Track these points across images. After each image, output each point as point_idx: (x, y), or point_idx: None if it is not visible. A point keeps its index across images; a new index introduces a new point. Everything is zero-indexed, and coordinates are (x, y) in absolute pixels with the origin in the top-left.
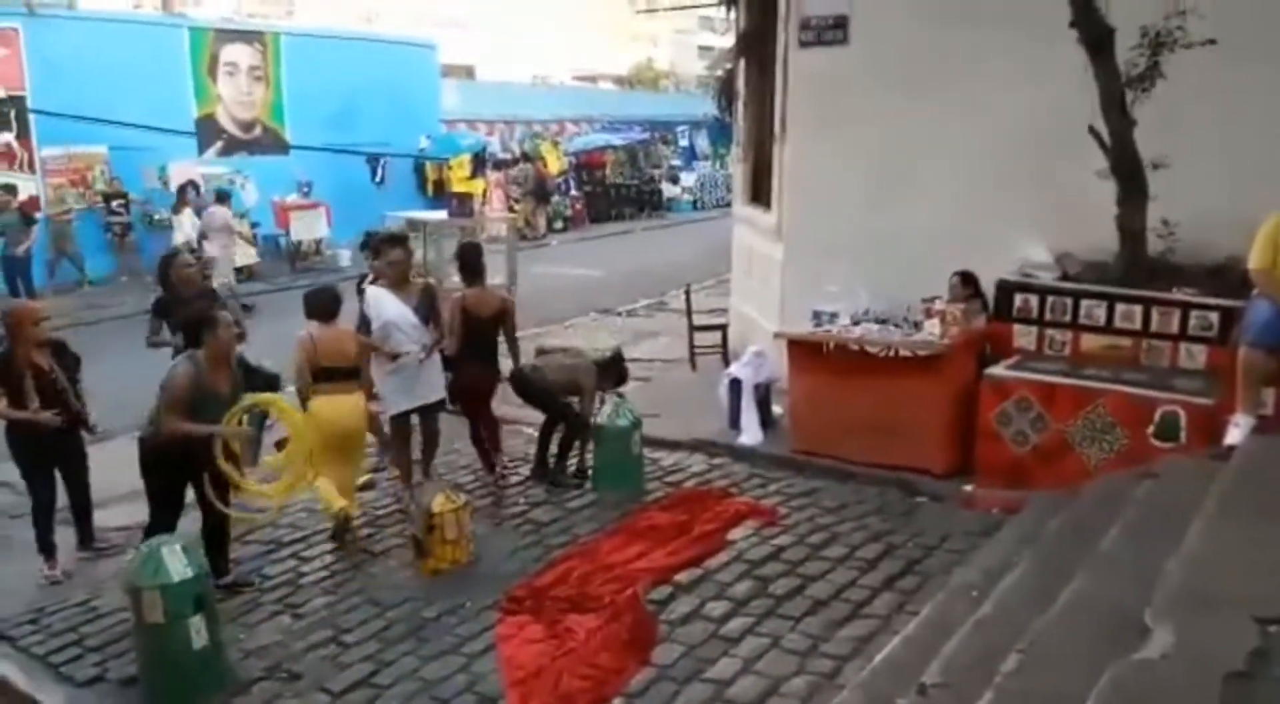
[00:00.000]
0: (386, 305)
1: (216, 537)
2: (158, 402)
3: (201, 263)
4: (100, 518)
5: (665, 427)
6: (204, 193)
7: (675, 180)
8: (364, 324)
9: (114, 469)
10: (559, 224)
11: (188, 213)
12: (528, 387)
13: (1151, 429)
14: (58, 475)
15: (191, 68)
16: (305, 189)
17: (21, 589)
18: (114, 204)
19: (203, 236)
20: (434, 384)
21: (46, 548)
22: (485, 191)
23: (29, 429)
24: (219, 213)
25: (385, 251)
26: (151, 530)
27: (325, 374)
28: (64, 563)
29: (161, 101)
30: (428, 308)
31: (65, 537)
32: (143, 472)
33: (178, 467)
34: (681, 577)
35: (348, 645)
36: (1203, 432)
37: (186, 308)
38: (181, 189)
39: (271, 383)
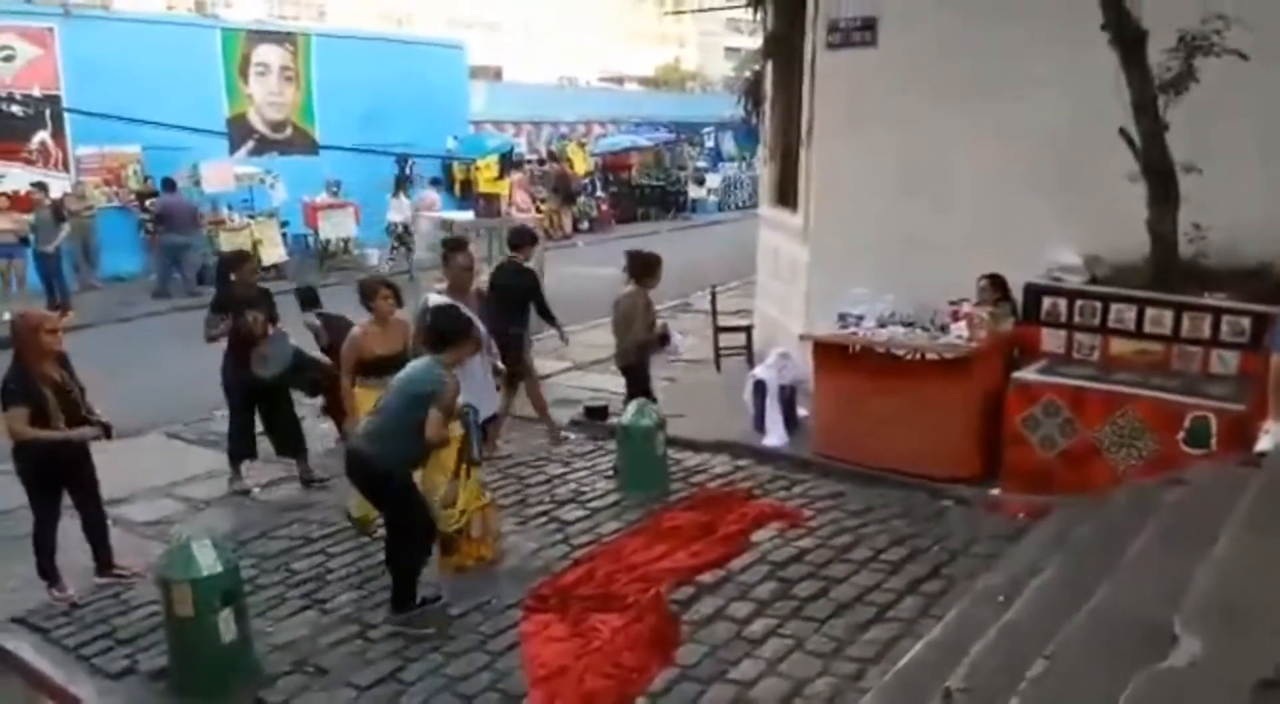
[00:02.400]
0: None
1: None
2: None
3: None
4: (129, 512)
5: (690, 427)
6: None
7: (701, 181)
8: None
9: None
10: (584, 225)
11: (402, 196)
12: None
13: (1182, 435)
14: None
15: (224, 68)
16: (334, 188)
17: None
18: (148, 202)
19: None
20: (489, 397)
21: (51, 574)
22: (510, 191)
23: (45, 449)
24: (429, 196)
25: (450, 257)
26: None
27: (370, 367)
28: (80, 589)
29: (194, 101)
30: (484, 313)
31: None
32: (395, 494)
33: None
34: (705, 577)
35: (373, 641)
36: (1233, 438)
37: (243, 304)
38: (398, 177)
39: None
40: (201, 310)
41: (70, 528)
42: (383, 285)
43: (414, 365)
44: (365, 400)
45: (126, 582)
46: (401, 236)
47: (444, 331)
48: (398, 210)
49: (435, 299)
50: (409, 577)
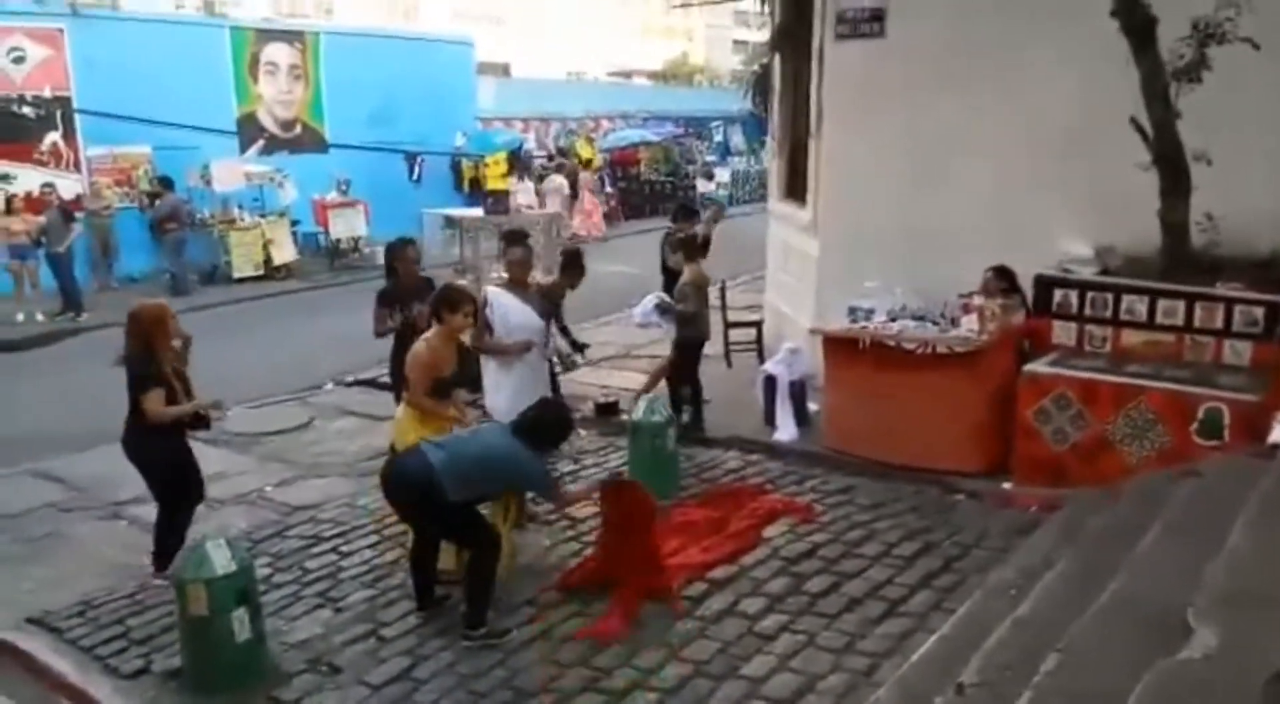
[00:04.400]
0: (510, 308)
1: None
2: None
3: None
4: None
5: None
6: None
7: (710, 176)
8: (486, 328)
9: None
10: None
11: (526, 181)
12: None
13: (1194, 426)
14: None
15: (233, 67)
16: (344, 187)
17: (70, 581)
18: (157, 203)
19: (540, 199)
20: (545, 391)
21: (166, 563)
22: (574, 187)
23: (176, 442)
24: (555, 180)
25: (508, 250)
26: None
27: (437, 388)
28: (100, 588)
29: (203, 101)
30: (545, 308)
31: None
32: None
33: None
34: (717, 573)
35: (387, 639)
36: (1246, 429)
37: (410, 296)
38: (514, 166)
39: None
40: (205, 310)
41: (92, 524)
42: (469, 299)
43: (518, 453)
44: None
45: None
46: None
47: (555, 433)
48: (522, 192)
49: (495, 293)
50: (488, 594)
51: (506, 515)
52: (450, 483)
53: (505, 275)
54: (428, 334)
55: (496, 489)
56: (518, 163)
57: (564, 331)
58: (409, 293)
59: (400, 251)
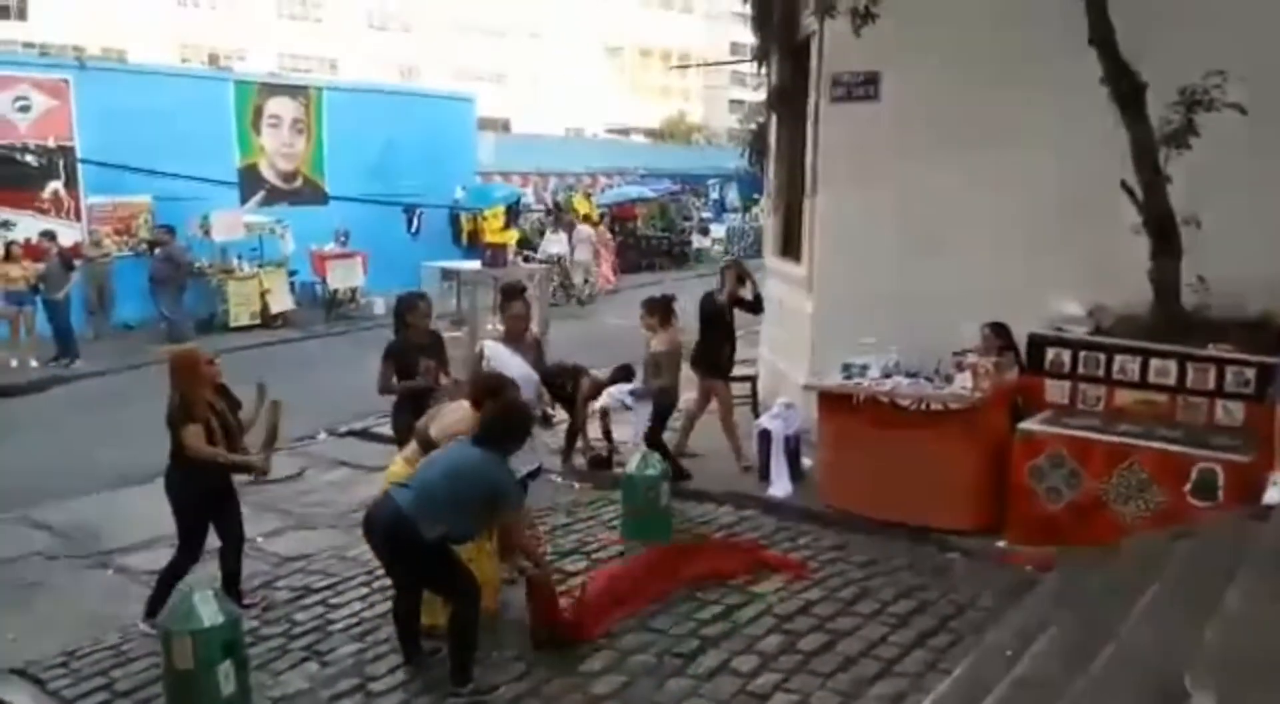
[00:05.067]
0: (509, 362)
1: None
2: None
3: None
4: (130, 561)
5: (694, 477)
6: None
7: (705, 232)
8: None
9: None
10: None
11: (560, 232)
12: None
13: (1188, 487)
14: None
15: (236, 120)
16: (343, 238)
17: (52, 631)
18: (157, 251)
19: (572, 250)
20: (531, 452)
21: (159, 609)
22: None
23: (204, 481)
24: (584, 229)
25: (507, 305)
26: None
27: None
28: (80, 639)
29: (206, 152)
30: (538, 361)
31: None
32: (441, 562)
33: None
34: (709, 630)
35: (375, 694)
36: (1241, 490)
37: (418, 352)
38: (553, 213)
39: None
40: None
41: (78, 573)
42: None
43: (486, 461)
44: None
45: (259, 614)
46: (560, 264)
47: (515, 432)
48: (555, 243)
49: (492, 346)
50: (472, 647)
51: (486, 552)
52: (422, 519)
53: (502, 329)
54: (462, 415)
55: (468, 517)
56: (514, 216)
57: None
58: (417, 348)
59: (413, 305)
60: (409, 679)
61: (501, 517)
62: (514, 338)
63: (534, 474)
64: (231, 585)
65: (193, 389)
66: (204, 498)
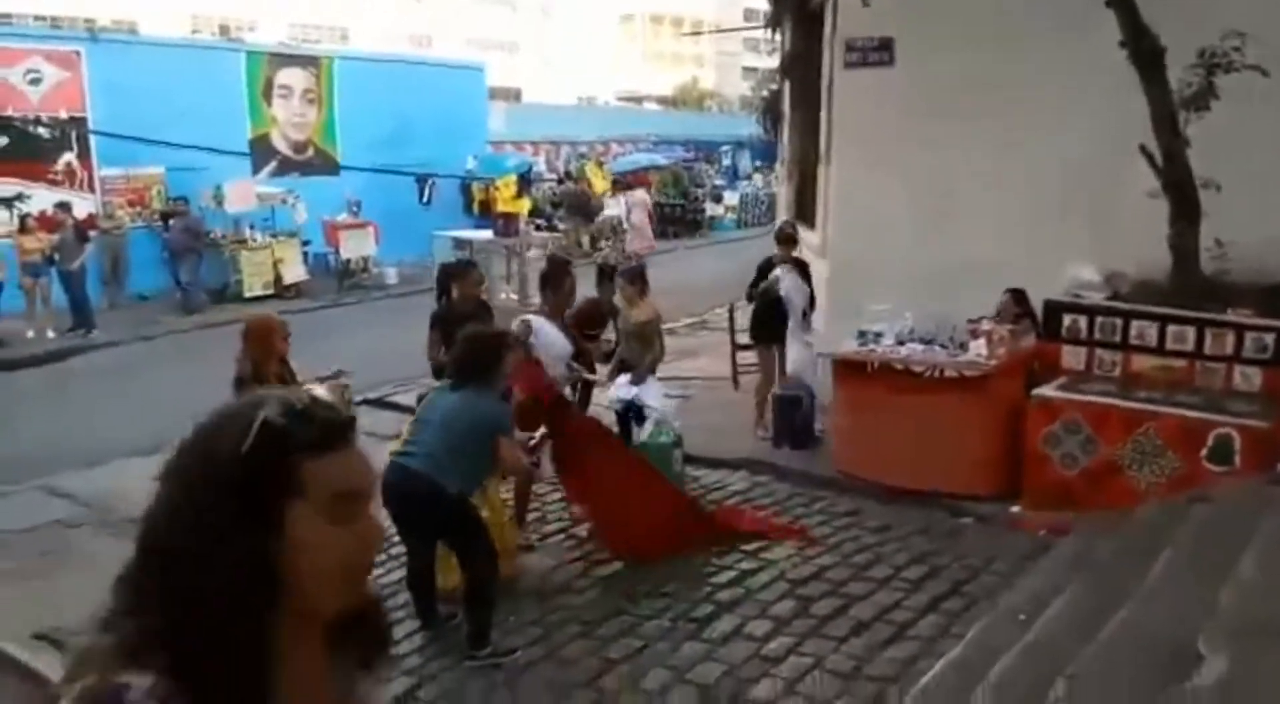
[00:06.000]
0: (553, 338)
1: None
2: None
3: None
4: None
5: (707, 444)
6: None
7: (718, 199)
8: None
9: None
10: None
11: (620, 196)
12: None
13: (1204, 453)
14: None
15: (247, 91)
16: (354, 208)
17: (75, 598)
18: (173, 221)
19: (628, 213)
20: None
21: None
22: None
23: None
24: (639, 194)
25: (559, 281)
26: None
27: None
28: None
29: (217, 123)
30: (573, 338)
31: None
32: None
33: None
34: (723, 595)
35: (391, 660)
36: (1257, 456)
37: (463, 320)
38: (616, 182)
39: None
40: (216, 328)
41: (100, 540)
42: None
43: (475, 401)
44: None
45: None
46: (615, 228)
47: (486, 361)
48: (615, 206)
49: (537, 321)
50: (490, 609)
51: (505, 519)
52: (438, 476)
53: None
54: None
55: (475, 462)
56: (525, 185)
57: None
58: (463, 317)
59: (462, 274)
60: (425, 644)
61: (506, 442)
62: (559, 313)
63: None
64: None
65: (262, 357)
66: None
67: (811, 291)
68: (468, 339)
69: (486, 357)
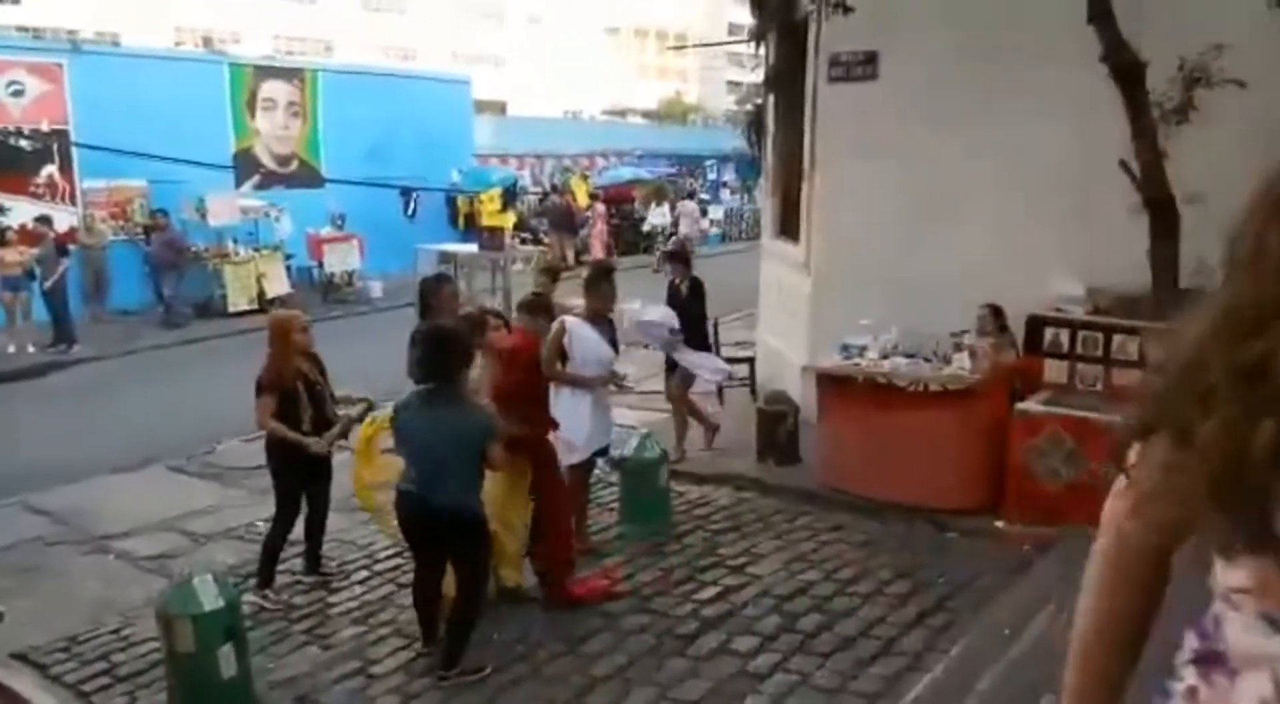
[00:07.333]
0: (590, 341)
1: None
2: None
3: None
4: (131, 546)
5: (692, 460)
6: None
7: (703, 213)
8: (562, 357)
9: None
10: (587, 256)
11: (665, 205)
12: None
13: None
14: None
15: (231, 103)
16: (339, 221)
17: (53, 616)
18: (154, 236)
19: (675, 221)
20: (607, 429)
21: (270, 578)
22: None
23: (294, 449)
24: (689, 205)
25: (597, 286)
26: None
27: None
28: (82, 623)
29: (201, 136)
30: (613, 340)
31: (83, 588)
32: (481, 538)
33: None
34: (708, 611)
35: (376, 677)
36: None
37: None
38: (593, 195)
39: None
40: (199, 342)
41: (78, 558)
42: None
43: (446, 414)
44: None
45: (331, 580)
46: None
47: (452, 349)
48: (659, 215)
49: (574, 323)
50: (471, 631)
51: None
52: (445, 492)
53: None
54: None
55: (474, 466)
56: (510, 199)
57: None
58: None
59: (435, 289)
60: (410, 661)
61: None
62: (599, 317)
63: (603, 451)
64: (312, 555)
65: (282, 354)
66: (297, 465)
67: (698, 310)
68: (425, 335)
69: (447, 349)
